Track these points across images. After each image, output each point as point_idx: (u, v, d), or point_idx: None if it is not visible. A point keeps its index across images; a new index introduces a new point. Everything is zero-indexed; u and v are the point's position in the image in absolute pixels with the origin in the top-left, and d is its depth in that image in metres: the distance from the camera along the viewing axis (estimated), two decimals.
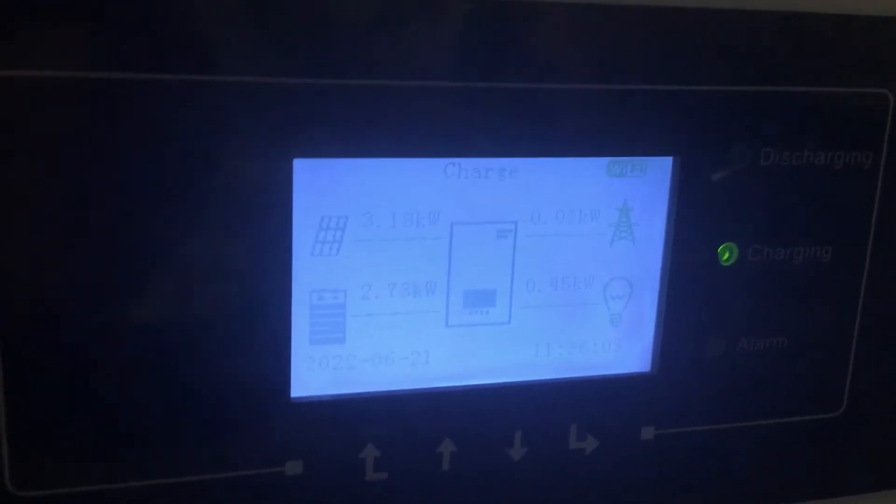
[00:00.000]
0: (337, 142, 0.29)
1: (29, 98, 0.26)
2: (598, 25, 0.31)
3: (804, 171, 0.34)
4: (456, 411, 0.32)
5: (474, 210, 0.32)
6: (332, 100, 0.29)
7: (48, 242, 0.28)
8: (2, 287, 0.27)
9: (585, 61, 0.31)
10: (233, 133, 0.28)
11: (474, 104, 0.30)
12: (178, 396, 0.30)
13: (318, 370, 0.32)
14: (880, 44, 0.34)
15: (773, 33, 0.32)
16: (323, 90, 0.28)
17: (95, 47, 0.27)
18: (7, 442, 0.28)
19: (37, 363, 0.28)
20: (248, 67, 0.28)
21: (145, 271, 0.28)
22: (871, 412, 0.38)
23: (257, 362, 0.30)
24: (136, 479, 0.30)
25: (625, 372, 0.34)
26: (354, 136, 0.29)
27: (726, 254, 0.34)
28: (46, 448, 0.29)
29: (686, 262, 0.34)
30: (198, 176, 0.28)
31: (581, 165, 0.32)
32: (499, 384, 0.33)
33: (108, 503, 0.30)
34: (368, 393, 0.32)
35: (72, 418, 0.29)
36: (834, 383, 0.37)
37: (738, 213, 0.34)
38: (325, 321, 0.31)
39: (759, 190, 0.33)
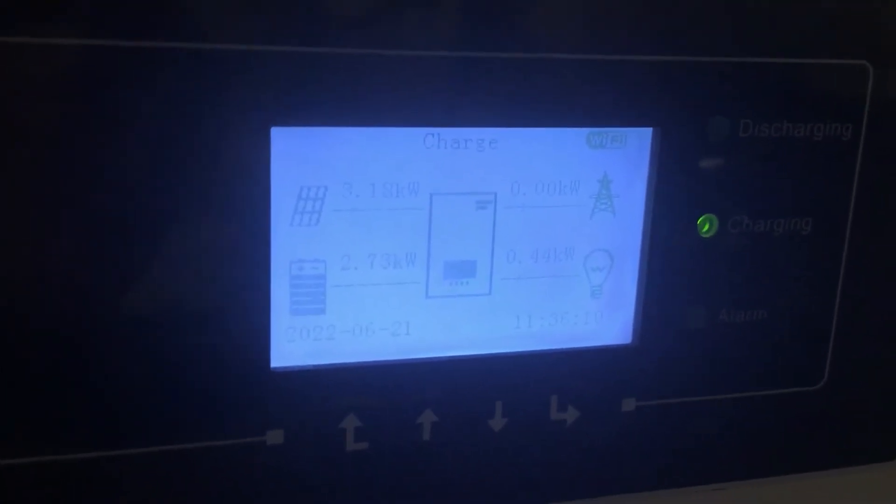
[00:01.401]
0: (315, 110, 0.29)
1: (9, 64, 0.26)
2: None
3: (784, 142, 0.34)
4: (436, 382, 0.33)
5: (454, 181, 0.32)
6: (310, 68, 0.28)
7: (17, 214, 0.27)
8: None
9: (565, 32, 0.31)
10: (209, 101, 0.28)
11: (454, 74, 0.30)
12: (158, 367, 0.30)
13: (298, 341, 0.32)
14: (860, 15, 0.34)
15: (752, 4, 0.32)
16: (301, 58, 0.28)
17: (65, 14, 0.26)
18: None
19: (15, 334, 0.28)
20: (225, 34, 0.28)
21: (123, 244, 0.28)
22: (852, 386, 0.38)
23: (237, 333, 0.30)
24: (116, 448, 0.30)
25: (606, 343, 0.34)
26: (333, 105, 0.29)
27: (706, 225, 0.34)
28: (26, 417, 0.29)
29: (666, 233, 0.34)
30: (173, 145, 0.28)
31: (561, 136, 0.33)
32: (479, 355, 0.33)
33: (88, 472, 0.30)
34: (349, 363, 0.32)
35: (51, 388, 0.29)
36: (815, 356, 0.37)
37: (718, 185, 0.34)
38: (305, 292, 0.31)
39: (738, 162, 0.34)
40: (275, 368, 0.31)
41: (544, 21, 0.31)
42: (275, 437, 0.31)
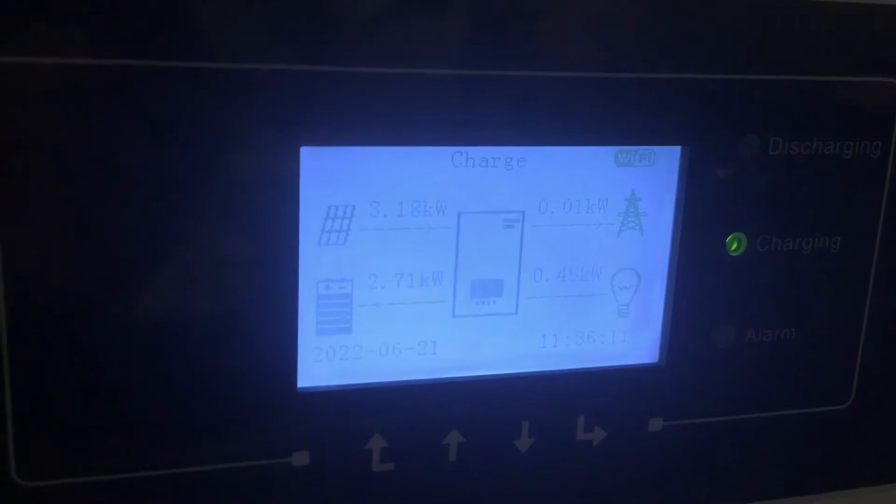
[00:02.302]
0: (344, 130, 0.29)
1: (34, 86, 0.26)
2: (606, 14, 0.31)
3: (813, 160, 0.34)
4: (463, 402, 0.32)
5: (482, 199, 0.32)
6: (339, 87, 0.28)
7: (52, 232, 0.27)
8: (7, 280, 0.27)
9: (593, 50, 0.31)
10: (239, 121, 0.28)
11: (482, 93, 0.30)
12: (184, 387, 0.29)
13: (324, 360, 0.31)
14: (889, 33, 0.33)
15: (782, 22, 0.32)
16: (330, 78, 0.28)
17: (99, 34, 0.26)
18: (13, 433, 0.28)
19: (42, 354, 0.28)
20: (254, 54, 0.27)
21: (151, 262, 0.28)
22: (879, 404, 0.38)
23: (264, 353, 0.30)
24: (142, 469, 0.30)
25: (632, 363, 0.34)
26: (361, 124, 0.29)
27: (735, 244, 0.34)
28: (52, 439, 0.29)
29: (694, 252, 0.33)
30: (204, 165, 0.28)
31: (589, 155, 0.32)
32: (506, 375, 0.33)
33: (114, 494, 0.30)
34: (375, 383, 0.32)
35: (78, 408, 0.29)
36: (842, 375, 0.37)
37: (747, 204, 0.33)
38: (332, 311, 0.31)
39: (767, 180, 0.33)
40: (301, 389, 0.31)
41: (573, 39, 0.31)
42: (301, 458, 0.31)
